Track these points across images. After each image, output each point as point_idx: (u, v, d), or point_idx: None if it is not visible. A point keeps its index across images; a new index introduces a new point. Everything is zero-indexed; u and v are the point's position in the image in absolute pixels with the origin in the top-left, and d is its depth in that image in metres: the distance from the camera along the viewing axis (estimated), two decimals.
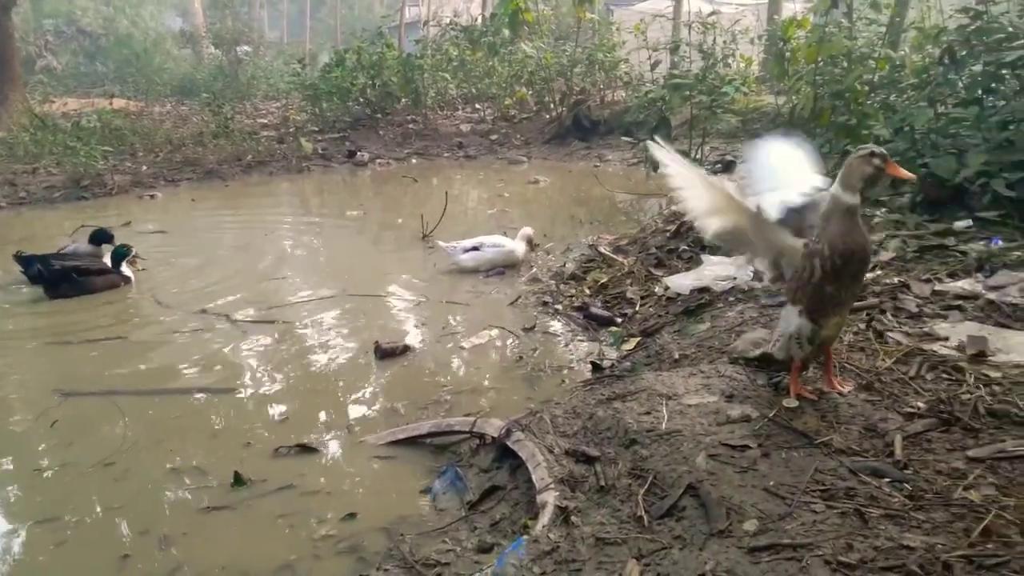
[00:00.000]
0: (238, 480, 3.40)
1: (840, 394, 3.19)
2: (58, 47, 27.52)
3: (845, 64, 7.44)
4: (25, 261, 6.21)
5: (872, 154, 2.83)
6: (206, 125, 14.22)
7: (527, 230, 6.77)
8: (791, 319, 3.04)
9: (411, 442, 3.73)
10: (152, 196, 10.94)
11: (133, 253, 6.63)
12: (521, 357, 4.78)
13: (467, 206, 10.21)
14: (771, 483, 2.64)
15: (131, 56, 26.20)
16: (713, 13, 11.76)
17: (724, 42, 11.96)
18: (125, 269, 6.50)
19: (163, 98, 21.17)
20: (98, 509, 3.33)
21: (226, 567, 2.89)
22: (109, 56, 27.45)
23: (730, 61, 12.37)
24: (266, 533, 3.11)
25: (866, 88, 7.12)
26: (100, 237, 6.72)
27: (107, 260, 6.52)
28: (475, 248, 6.56)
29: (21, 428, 4.08)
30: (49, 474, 3.61)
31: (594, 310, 5.29)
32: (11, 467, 3.70)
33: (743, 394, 3.29)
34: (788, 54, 10.56)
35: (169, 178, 11.98)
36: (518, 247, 6.64)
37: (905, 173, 2.94)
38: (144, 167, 12.21)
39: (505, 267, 6.62)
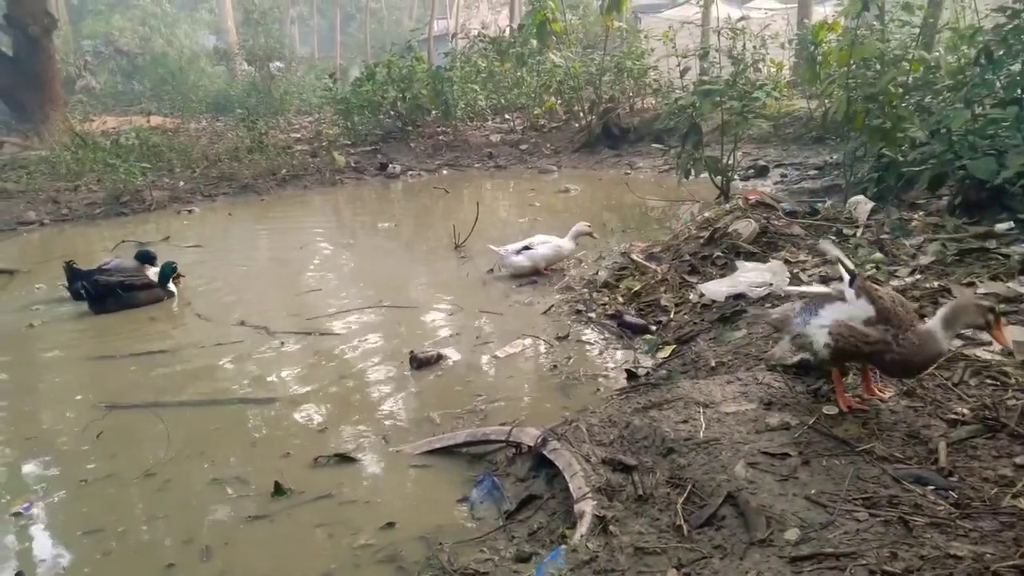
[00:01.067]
0: (278, 490, 3.45)
1: (881, 400, 3.15)
2: (96, 67, 28.15)
3: (878, 67, 7.36)
4: (70, 277, 6.35)
5: (991, 310, 2.78)
6: (241, 140, 14.44)
7: (581, 225, 6.83)
8: (819, 339, 3.04)
9: (447, 451, 3.75)
10: (190, 211, 11.15)
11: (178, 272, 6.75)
12: (555, 366, 4.78)
13: (498, 216, 10.24)
14: (812, 491, 2.62)
15: (167, 74, 26.71)
16: (742, 19, 11.69)
17: (754, 47, 11.87)
18: (170, 285, 6.64)
19: (198, 115, 21.58)
20: (142, 519, 3.40)
21: None
22: (145, 75, 28.02)
23: (760, 66, 12.28)
24: (306, 542, 3.14)
25: (900, 90, 7.04)
26: (144, 257, 6.86)
27: (152, 275, 6.66)
28: (527, 248, 6.62)
29: (68, 440, 4.17)
30: (94, 485, 3.68)
31: (628, 318, 5.27)
32: (58, 478, 3.78)
33: (782, 401, 3.26)
34: (819, 58, 10.46)
35: (206, 193, 12.19)
36: (566, 243, 6.72)
37: (1007, 340, 2.90)
38: (182, 183, 12.44)
39: (556, 263, 6.78)
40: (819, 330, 3.03)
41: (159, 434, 4.10)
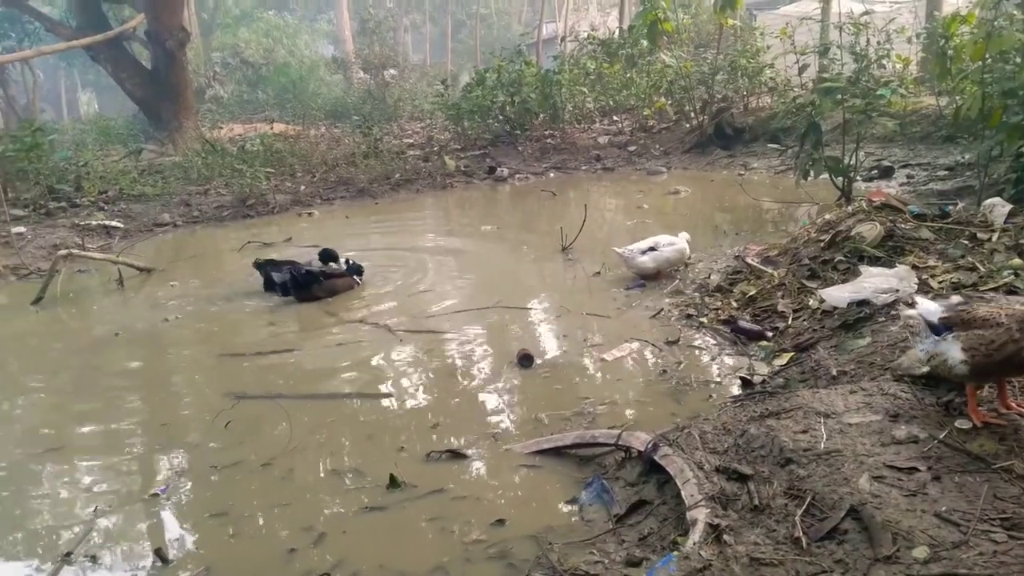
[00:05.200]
0: (393, 482, 3.56)
1: (1020, 415, 2.95)
2: (224, 77, 29.67)
3: (1018, 59, 6.87)
4: (266, 270, 6.99)
5: None
6: (357, 146, 14.94)
7: (684, 235, 6.75)
8: (953, 353, 2.87)
9: (556, 452, 3.77)
10: (310, 214, 11.64)
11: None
12: (665, 371, 4.72)
13: (606, 218, 10.19)
14: (943, 508, 2.48)
15: (288, 83, 27.95)
16: (866, 13, 11.15)
17: (878, 42, 11.32)
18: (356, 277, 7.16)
19: (317, 122, 22.46)
20: (266, 505, 3.58)
21: (383, 566, 3.03)
22: (269, 84, 29.40)
23: (885, 62, 11.70)
24: (419, 535, 3.23)
25: None
26: (326, 255, 7.26)
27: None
28: (652, 249, 6.53)
29: (199, 428, 4.45)
30: (222, 471, 3.90)
31: (742, 323, 5.13)
32: (190, 464, 4.04)
33: (909, 413, 3.11)
34: (950, 52, 9.86)
35: (325, 196, 12.69)
36: (686, 245, 6.65)
37: None
38: (302, 187, 13.00)
39: (678, 265, 6.69)
40: (952, 344, 2.87)
41: (282, 425, 4.31)
